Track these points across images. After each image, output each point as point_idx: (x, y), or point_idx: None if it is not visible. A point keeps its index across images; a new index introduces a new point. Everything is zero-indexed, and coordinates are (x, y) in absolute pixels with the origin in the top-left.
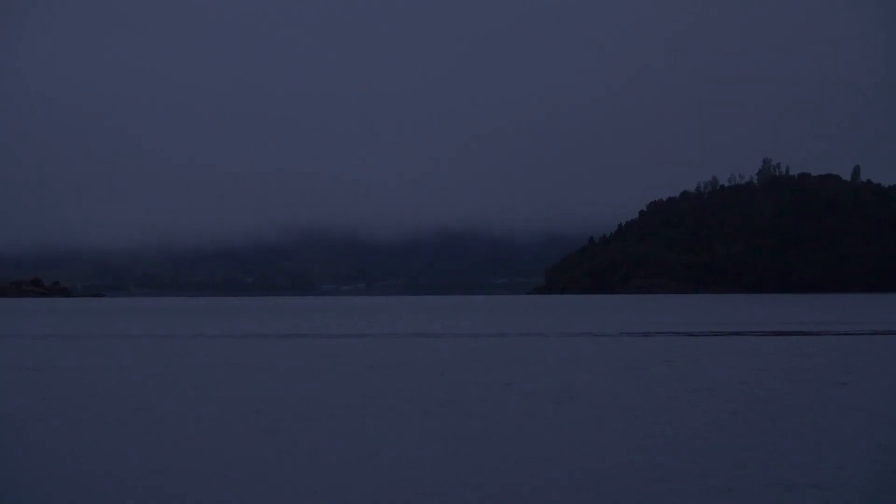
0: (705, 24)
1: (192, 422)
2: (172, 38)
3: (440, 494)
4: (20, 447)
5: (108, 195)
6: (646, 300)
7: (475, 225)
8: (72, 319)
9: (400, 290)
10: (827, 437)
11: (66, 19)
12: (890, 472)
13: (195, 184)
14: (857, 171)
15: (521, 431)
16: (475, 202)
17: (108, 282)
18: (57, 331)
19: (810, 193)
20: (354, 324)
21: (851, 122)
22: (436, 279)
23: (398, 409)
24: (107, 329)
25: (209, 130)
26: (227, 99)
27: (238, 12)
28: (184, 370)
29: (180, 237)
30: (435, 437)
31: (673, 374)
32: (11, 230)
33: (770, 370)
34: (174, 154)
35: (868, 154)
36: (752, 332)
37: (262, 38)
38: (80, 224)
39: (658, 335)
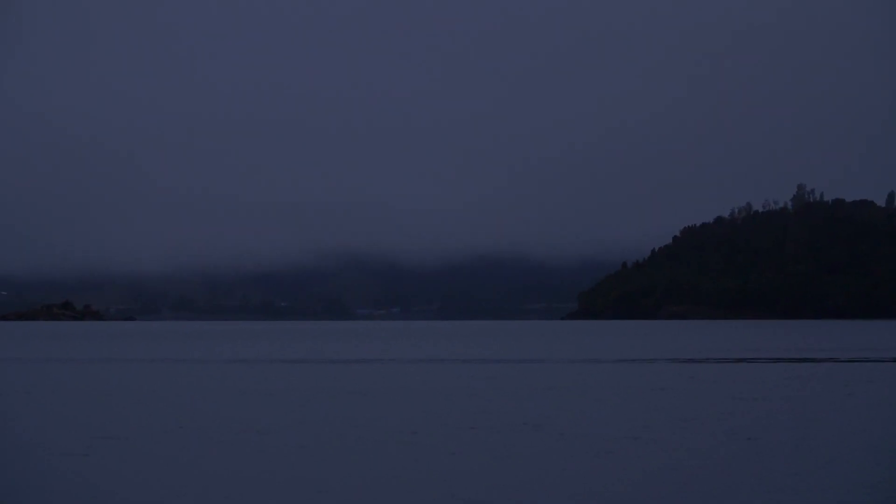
0: (740, 50)
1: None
2: (207, 62)
3: None
4: None
5: (146, 220)
6: (675, 326)
7: (511, 250)
8: (80, 342)
9: (434, 314)
10: (802, 470)
11: (85, 59)
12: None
13: (232, 209)
14: (891, 197)
15: (480, 461)
16: (512, 227)
17: (142, 305)
18: (52, 355)
19: (844, 219)
20: (369, 349)
21: (887, 147)
22: (471, 304)
23: (361, 437)
24: (116, 352)
25: (246, 156)
26: (264, 123)
27: (274, 32)
28: (165, 395)
29: (216, 261)
30: (386, 466)
31: (661, 403)
32: (49, 254)
33: (764, 399)
34: (212, 179)
35: None
36: (766, 359)
37: (299, 62)
38: (116, 248)
39: (662, 362)
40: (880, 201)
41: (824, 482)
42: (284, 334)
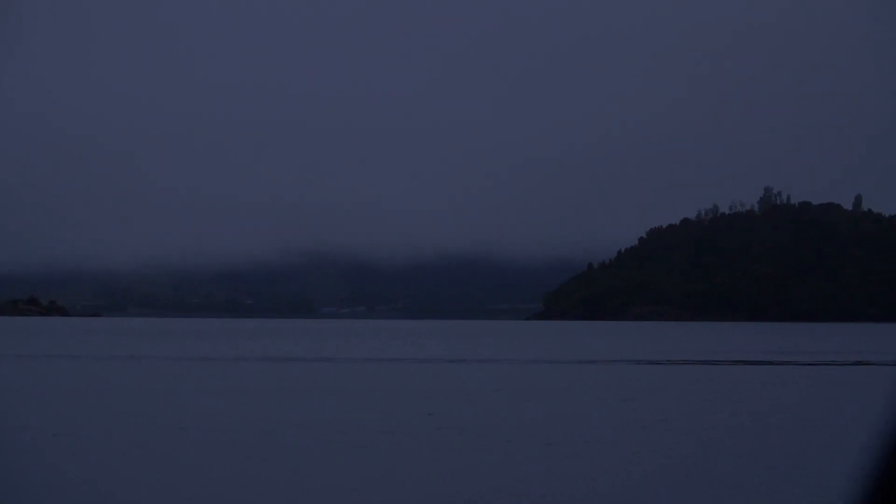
0: (711, 57)
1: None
2: (175, 62)
3: None
4: None
5: (112, 216)
6: (640, 327)
7: (478, 250)
8: (30, 339)
9: (400, 313)
10: (748, 474)
11: (62, 44)
12: None
13: (199, 206)
14: (858, 201)
15: (418, 464)
16: (479, 228)
17: (108, 302)
18: (9, 351)
19: (811, 222)
20: (326, 347)
21: (855, 150)
22: (437, 303)
23: (300, 437)
24: (63, 350)
25: (212, 153)
26: (230, 121)
27: (238, 34)
28: (117, 392)
29: (183, 258)
30: (319, 469)
31: (614, 405)
32: (15, 249)
33: (718, 401)
34: (178, 176)
35: (871, 183)
36: (726, 362)
37: (266, 60)
38: (82, 244)
39: (622, 363)
40: (847, 204)
41: (771, 487)
42: (244, 332)
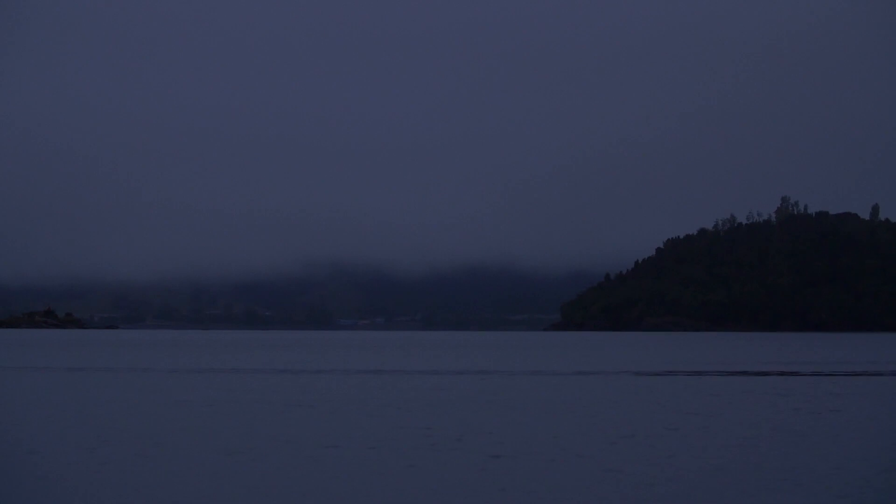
0: (723, 63)
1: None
2: (197, 71)
3: None
4: None
5: (130, 228)
6: (655, 338)
7: (496, 261)
8: (40, 351)
9: (418, 325)
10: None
11: (88, 60)
12: None
13: (218, 217)
14: (875, 210)
15: (378, 479)
16: (497, 239)
17: (125, 314)
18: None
19: (828, 232)
20: (325, 359)
21: (872, 159)
22: (455, 315)
23: (272, 450)
24: (71, 362)
25: (232, 164)
26: (252, 132)
27: (263, 44)
28: (95, 406)
29: (201, 270)
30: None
31: (600, 417)
32: (34, 261)
33: (708, 415)
34: (197, 187)
35: (888, 192)
36: (729, 372)
37: (291, 73)
38: (100, 256)
39: (627, 374)
40: (864, 214)
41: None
42: (257, 344)
